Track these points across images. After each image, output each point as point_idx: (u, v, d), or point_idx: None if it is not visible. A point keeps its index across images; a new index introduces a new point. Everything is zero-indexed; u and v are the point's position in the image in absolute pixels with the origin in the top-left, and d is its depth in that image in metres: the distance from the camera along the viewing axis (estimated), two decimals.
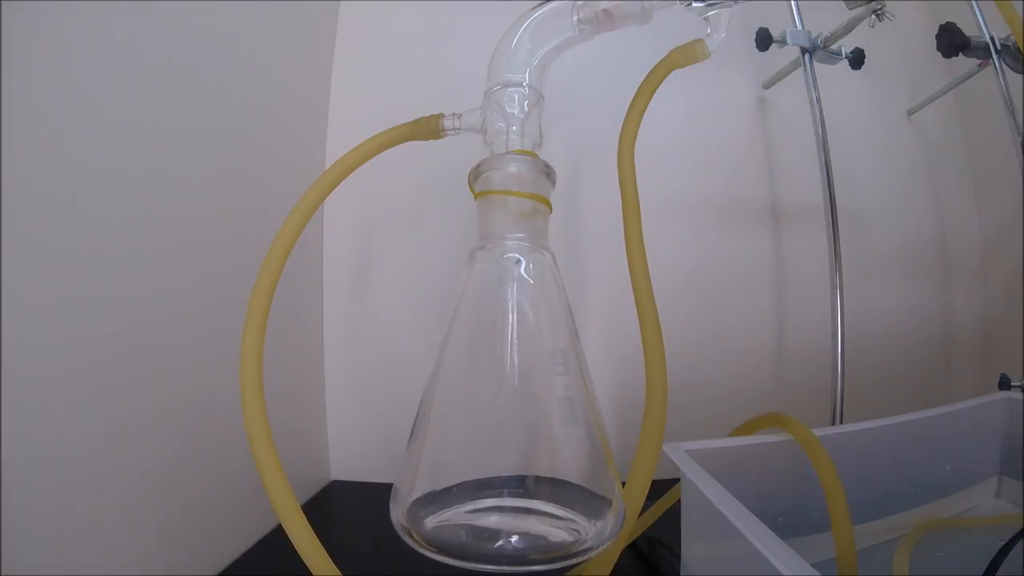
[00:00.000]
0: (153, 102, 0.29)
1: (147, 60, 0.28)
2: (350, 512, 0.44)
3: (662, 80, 0.28)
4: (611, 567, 0.25)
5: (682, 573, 0.29)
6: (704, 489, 0.24)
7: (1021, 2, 0.35)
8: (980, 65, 0.49)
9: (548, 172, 0.24)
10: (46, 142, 0.22)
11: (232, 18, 0.36)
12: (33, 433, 0.21)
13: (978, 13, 0.48)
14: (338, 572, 0.22)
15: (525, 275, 0.23)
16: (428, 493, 0.20)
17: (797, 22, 0.50)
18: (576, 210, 0.51)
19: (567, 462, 0.22)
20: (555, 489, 0.21)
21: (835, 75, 0.52)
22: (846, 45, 0.51)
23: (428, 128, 0.27)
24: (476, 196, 0.25)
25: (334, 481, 0.50)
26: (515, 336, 0.22)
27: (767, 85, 0.58)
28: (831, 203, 0.47)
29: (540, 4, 0.26)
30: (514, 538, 0.19)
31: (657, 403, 0.25)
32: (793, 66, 0.52)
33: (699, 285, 0.55)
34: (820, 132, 0.48)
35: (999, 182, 0.59)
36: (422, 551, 0.19)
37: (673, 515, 0.30)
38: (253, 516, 0.36)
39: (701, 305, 0.55)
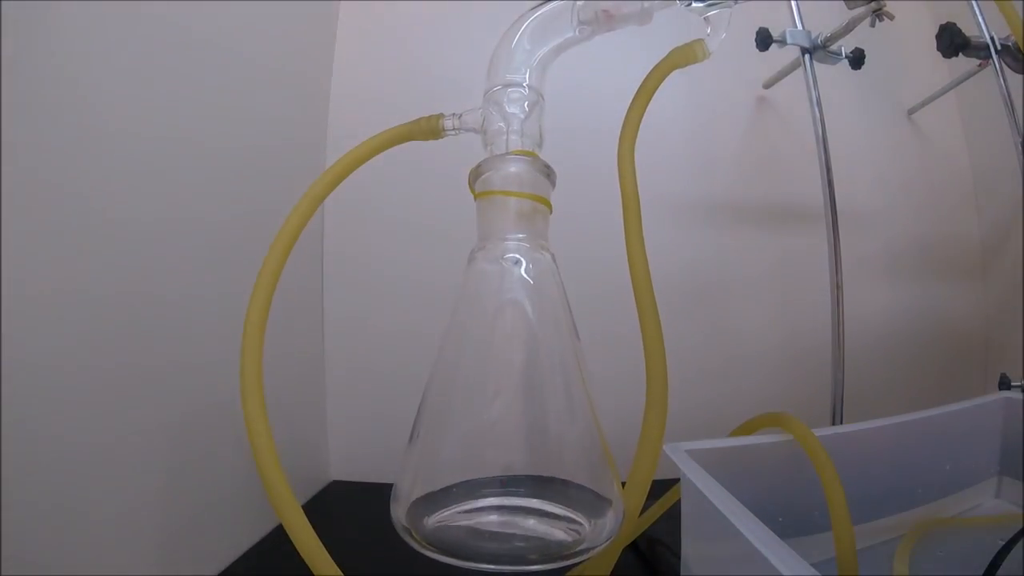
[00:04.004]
0: (152, 103, 0.29)
1: (147, 62, 0.28)
2: (350, 512, 0.44)
3: (662, 80, 0.28)
4: (611, 567, 0.25)
5: (682, 573, 0.29)
6: (704, 489, 0.24)
7: (1021, 2, 0.35)
8: (980, 65, 0.49)
9: (548, 172, 0.24)
10: (47, 144, 0.23)
11: (232, 19, 0.36)
12: (33, 434, 0.21)
13: (978, 13, 0.48)
14: (339, 572, 0.22)
15: (525, 275, 0.23)
16: (428, 493, 0.20)
17: (797, 22, 0.50)
18: (577, 210, 0.51)
19: (567, 461, 0.21)
20: (555, 488, 0.21)
21: (835, 75, 0.52)
22: (846, 45, 0.51)
23: (428, 128, 0.27)
24: (476, 196, 0.24)
25: (334, 481, 0.50)
26: (515, 336, 0.22)
27: (767, 85, 0.58)
28: (831, 203, 0.47)
29: (540, 4, 0.26)
30: (514, 538, 0.19)
31: (657, 403, 0.25)
32: (793, 66, 0.52)
33: (699, 285, 0.55)
34: (820, 132, 0.48)
35: (999, 182, 0.59)
36: (422, 551, 0.19)
37: (673, 515, 0.30)
38: (253, 516, 0.36)
39: (701, 305, 0.55)
